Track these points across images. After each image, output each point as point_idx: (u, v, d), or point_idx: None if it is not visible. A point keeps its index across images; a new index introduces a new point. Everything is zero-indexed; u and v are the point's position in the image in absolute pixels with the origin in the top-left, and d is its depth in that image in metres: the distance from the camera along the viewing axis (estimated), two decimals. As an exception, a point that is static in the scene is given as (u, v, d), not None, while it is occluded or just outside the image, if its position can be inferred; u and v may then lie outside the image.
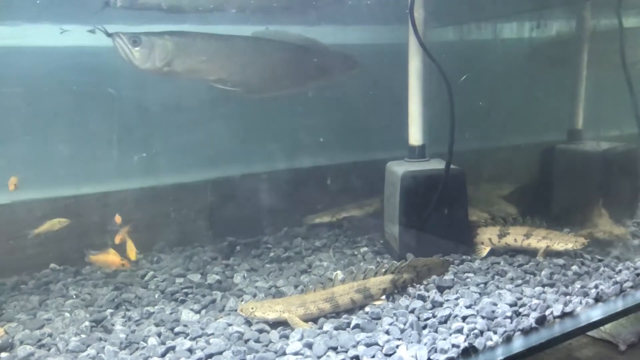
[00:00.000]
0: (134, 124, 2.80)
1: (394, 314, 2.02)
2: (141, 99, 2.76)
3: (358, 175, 3.17)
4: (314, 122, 3.12)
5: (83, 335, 1.99)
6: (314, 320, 2.05)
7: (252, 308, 2.02)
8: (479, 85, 3.10)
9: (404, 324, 1.94)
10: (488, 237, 2.64)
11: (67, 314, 2.17)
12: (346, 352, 1.79)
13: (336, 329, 1.95)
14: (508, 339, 1.88)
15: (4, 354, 1.86)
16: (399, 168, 2.62)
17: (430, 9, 2.56)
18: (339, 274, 2.36)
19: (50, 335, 1.99)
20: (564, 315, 2.04)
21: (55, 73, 2.64)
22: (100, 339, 1.95)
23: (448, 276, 2.32)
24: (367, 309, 2.11)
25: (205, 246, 2.90)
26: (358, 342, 1.83)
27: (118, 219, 2.48)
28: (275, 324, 2.02)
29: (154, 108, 2.77)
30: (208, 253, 2.82)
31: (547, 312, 2.00)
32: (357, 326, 1.95)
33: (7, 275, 2.55)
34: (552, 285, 2.25)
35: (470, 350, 1.80)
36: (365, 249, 2.82)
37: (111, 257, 2.35)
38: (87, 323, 2.08)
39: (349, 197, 3.19)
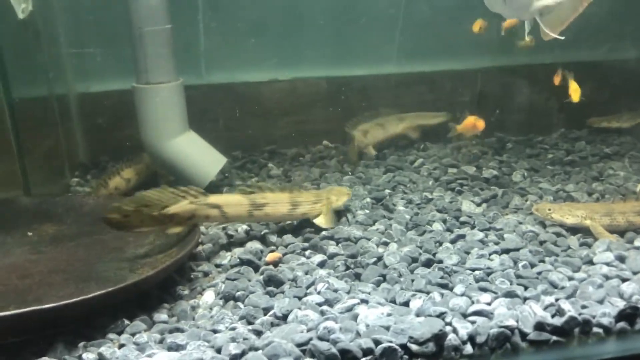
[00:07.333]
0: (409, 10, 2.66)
1: None
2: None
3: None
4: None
5: (367, 210, 2.02)
6: (620, 233, 1.79)
7: (550, 209, 1.82)
8: None
9: None
10: None
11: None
12: (675, 274, 1.52)
13: (652, 246, 1.68)
14: None
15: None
16: None
17: None
18: (646, 187, 2.02)
19: (336, 204, 2.06)
20: None
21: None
22: (384, 217, 1.96)
23: None
24: (689, 230, 1.77)
25: (473, 140, 2.73)
26: (689, 266, 1.54)
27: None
28: (573, 230, 1.81)
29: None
30: (476, 147, 2.65)
31: None
32: (681, 247, 1.64)
33: (287, 147, 2.71)
34: None
35: None
36: (675, 161, 2.38)
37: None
38: (368, 199, 2.11)
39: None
